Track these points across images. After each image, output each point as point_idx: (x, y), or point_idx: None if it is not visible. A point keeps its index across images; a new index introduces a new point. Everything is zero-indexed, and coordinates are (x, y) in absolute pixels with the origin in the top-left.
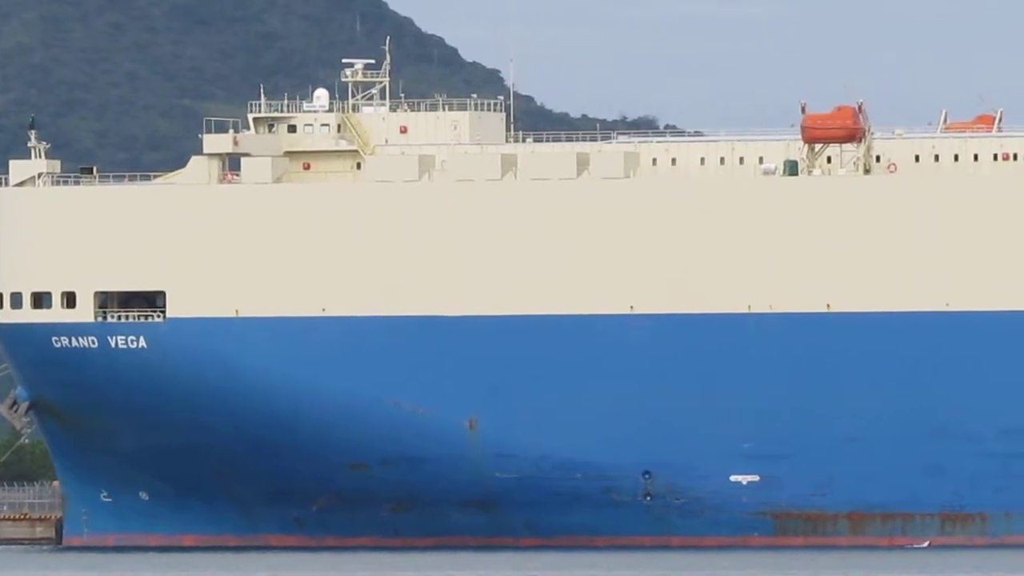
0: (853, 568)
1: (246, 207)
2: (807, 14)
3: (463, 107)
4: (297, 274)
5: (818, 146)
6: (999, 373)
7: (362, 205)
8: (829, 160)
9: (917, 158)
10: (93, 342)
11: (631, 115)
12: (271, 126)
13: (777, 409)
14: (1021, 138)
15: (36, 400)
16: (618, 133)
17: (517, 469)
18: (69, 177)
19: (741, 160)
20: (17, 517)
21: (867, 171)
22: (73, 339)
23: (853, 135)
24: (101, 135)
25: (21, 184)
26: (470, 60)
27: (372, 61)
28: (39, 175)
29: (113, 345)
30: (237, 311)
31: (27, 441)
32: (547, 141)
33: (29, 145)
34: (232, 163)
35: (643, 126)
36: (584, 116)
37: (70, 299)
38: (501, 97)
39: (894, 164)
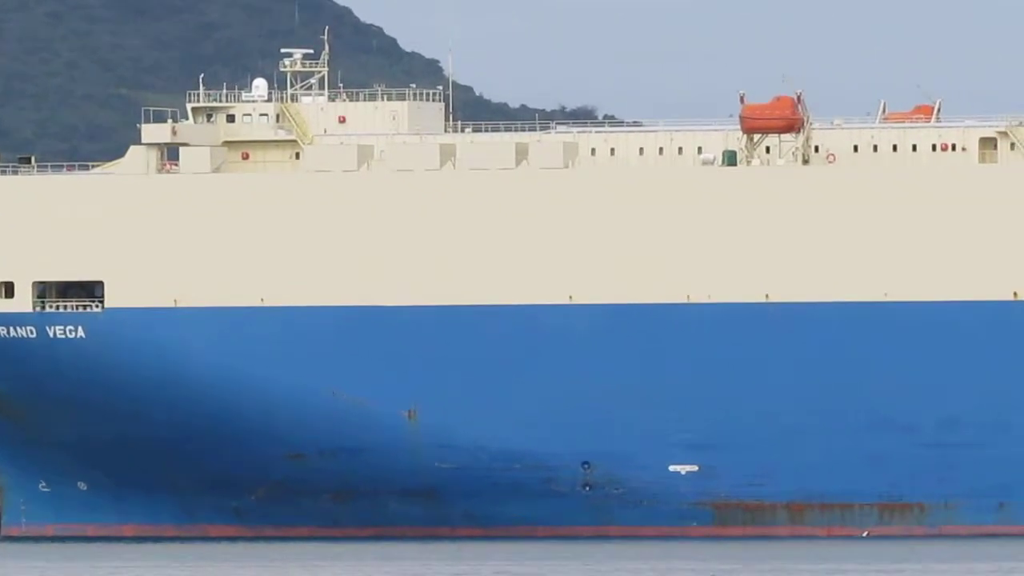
0: (792, 558)
1: (184, 197)
2: (746, 4)
3: (402, 97)
4: (236, 264)
5: (757, 136)
6: (937, 363)
7: (301, 195)
8: (768, 150)
9: (856, 148)
10: (31, 332)
11: (570, 105)
12: (210, 116)
13: (717, 399)
14: (960, 128)
15: None
16: (557, 123)
17: (456, 459)
18: (7, 167)
19: (680, 150)
20: None
21: (806, 161)
22: (11, 329)
23: (792, 125)
24: (40, 125)
25: None
26: (409, 50)
27: (311, 51)
28: None
29: (51, 335)
30: (176, 301)
31: None
32: (486, 131)
33: None
34: (171, 153)
35: (582, 116)
36: (523, 106)
37: (8, 289)
38: (440, 87)
39: (833, 154)
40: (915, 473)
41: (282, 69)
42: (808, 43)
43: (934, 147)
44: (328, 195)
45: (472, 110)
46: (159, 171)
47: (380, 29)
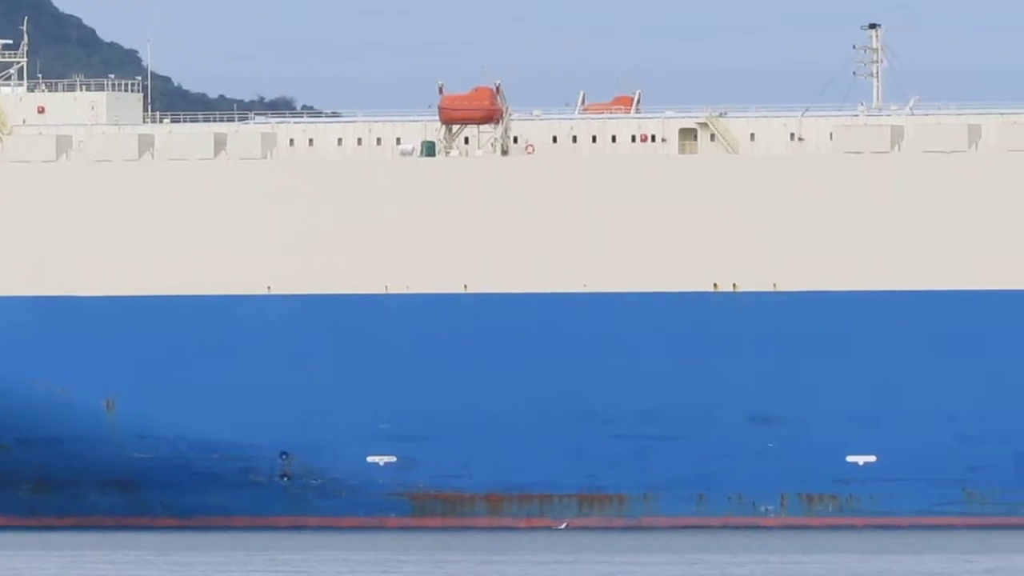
0: (490, 550)
1: None
2: None
3: (100, 87)
4: None
5: (456, 127)
6: (636, 355)
7: None
8: (467, 141)
9: (555, 139)
10: None
11: (268, 96)
12: None
13: (415, 390)
14: (659, 119)
15: None
16: (255, 113)
17: (154, 449)
18: None
19: (379, 141)
20: None
21: (504, 152)
22: None
23: (490, 116)
24: None
25: None
26: (107, 40)
27: (9, 41)
28: None
29: None
30: None
31: None
32: (184, 121)
33: None
34: None
35: (280, 107)
36: (222, 96)
37: None
38: (139, 78)
39: (532, 145)
40: (614, 464)
41: None
42: (506, 33)
43: (634, 138)
44: (26, 186)
45: (171, 100)
46: None
47: (79, 19)
